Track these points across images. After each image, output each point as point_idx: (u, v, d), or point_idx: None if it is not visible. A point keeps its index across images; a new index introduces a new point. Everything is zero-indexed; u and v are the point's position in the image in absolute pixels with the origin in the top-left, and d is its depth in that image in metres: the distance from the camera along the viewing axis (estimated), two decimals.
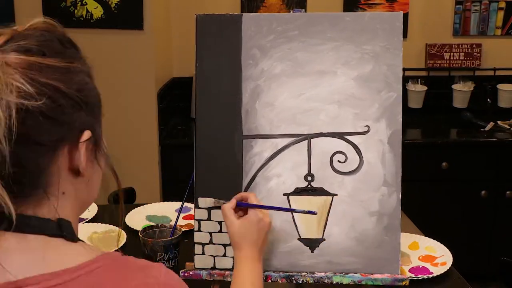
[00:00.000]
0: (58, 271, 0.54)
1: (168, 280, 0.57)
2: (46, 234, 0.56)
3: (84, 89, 0.58)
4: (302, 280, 0.99)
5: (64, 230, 0.57)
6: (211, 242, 1.01)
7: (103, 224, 1.30)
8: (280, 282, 0.99)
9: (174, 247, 1.07)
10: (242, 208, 0.92)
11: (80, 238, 0.60)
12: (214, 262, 1.01)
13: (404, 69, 2.29)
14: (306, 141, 1.01)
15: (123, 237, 1.21)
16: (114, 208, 1.47)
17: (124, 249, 1.18)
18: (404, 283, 0.97)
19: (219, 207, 0.99)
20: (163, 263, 1.05)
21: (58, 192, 0.57)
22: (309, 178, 1.00)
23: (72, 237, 0.57)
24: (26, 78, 0.53)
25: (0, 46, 0.55)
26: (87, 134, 0.58)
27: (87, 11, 2.12)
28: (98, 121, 0.62)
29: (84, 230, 1.25)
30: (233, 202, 0.93)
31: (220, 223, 1.01)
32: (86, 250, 0.58)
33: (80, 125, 0.58)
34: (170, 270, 0.60)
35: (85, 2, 2.12)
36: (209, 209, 1.01)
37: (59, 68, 0.56)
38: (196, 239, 1.02)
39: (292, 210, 0.98)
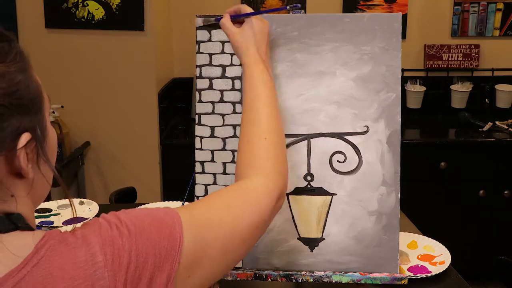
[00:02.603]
0: (4, 275, 0.52)
1: (109, 235, 0.55)
2: (0, 231, 0.54)
3: (16, 90, 0.54)
4: (302, 279, 0.99)
5: (17, 223, 0.55)
6: None
7: None
8: (279, 281, 1.00)
9: None
10: (240, 21, 0.92)
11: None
12: None
13: (403, 70, 2.30)
14: (306, 141, 1.01)
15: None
16: (115, 208, 1.48)
17: None
18: (402, 282, 0.98)
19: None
20: None
21: (5, 196, 0.55)
22: (309, 178, 1.01)
23: (27, 226, 0.55)
24: None
25: None
26: (24, 138, 0.55)
27: (89, 12, 2.13)
28: (40, 114, 0.58)
29: None
30: (227, 15, 0.92)
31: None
32: (24, 238, 0.55)
33: (14, 130, 0.54)
34: (110, 218, 0.57)
35: (87, 3, 2.13)
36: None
37: None
38: None
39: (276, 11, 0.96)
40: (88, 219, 1.32)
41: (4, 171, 0.55)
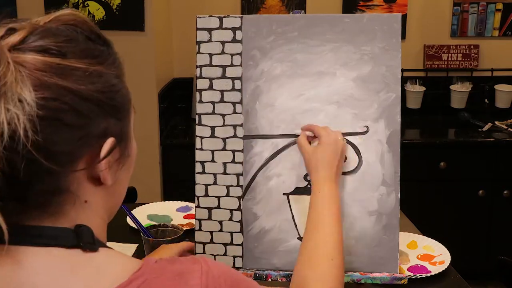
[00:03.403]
0: None
1: (210, 281, 0.52)
2: (63, 245, 0.51)
3: (109, 91, 0.53)
4: None
5: (81, 239, 0.52)
6: (211, 241, 1.02)
7: None
8: (280, 280, 1.00)
9: None
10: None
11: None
12: None
13: (402, 70, 2.30)
14: None
15: None
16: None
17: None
18: (402, 281, 0.98)
19: (219, 207, 1.01)
20: None
21: (79, 201, 0.53)
22: (309, 178, 1.02)
23: (91, 245, 0.52)
24: (40, 81, 0.48)
25: (16, 44, 0.50)
26: (110, 142, 0.53)
27: (89, 12, 2.14)
28: (126, 122, 0.58)
29: None
30: (304, 133, 0.96)
31: (220, 222, 1.02)
32: (118, 262, 0.52)
33: (102, 132, 0.53)
34: (212, 264, 0.54)
35: (87, 3, 2.13)
36: (209, 209, 1.03)
37: (80, 69, 0.51)
38: (197, 238, 1.03)
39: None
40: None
41: (83, 174, 0.52)
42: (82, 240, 0.52)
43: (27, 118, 0.47)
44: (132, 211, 1.36)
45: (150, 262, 0.53)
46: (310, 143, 0.96)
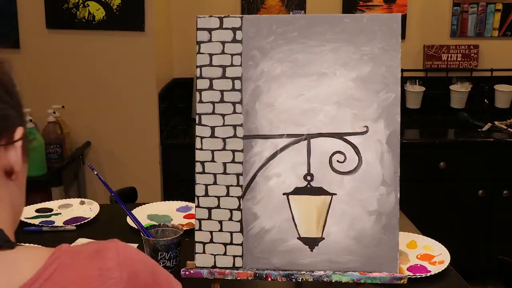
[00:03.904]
0: None
1: (127, 257, 0.54)
2: None
3: (14, 86, 0.57)
4: (302, 279, 1.00)
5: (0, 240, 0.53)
6: (211, 241, 1.03)
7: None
8: (279, 280, 1.01)
9: (176, 246, 1.08)
10: None
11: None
12: (215, 261, 1.02)
13: (402, 70, 2.30)
14: (306, 141, 1.02)
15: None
16: (116, 208, 1.48)
17: None
18: (402, 281, 0.98)
19: (219, 207, 1.01)
20: (165, 262, 1.07)
21: None
22: (309, 178, 1.02)
23: (8, 244, 0.53)
24: None
25: None
26: (20, 131, 0.56)
27: (89, 12, 2.14)
28: (25, 124, 0.60)
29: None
30: None
31: (220, 222, 1.03)
32: (33, 254, 0.54)
33: (14, 122, 0.56)
34: (126, 244, 0.56)
35: (87, 4, 2.14)
36: (209, 209, 1.03)
37: None
38: (197, 238, 1.03)
39: None
40: (90, 218, 1.32)
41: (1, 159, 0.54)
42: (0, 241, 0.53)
43: None
44: (132, 211, 1.37)
45: (64, 246, 0.55)
46: None
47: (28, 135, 0.60)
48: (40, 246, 0.57)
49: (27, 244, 0.56)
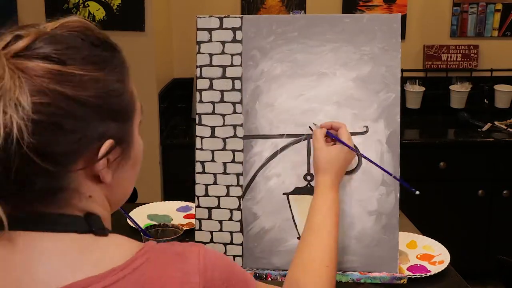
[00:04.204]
0: (105, 272, 0.53)
1: (208, 263, 0.57)
2: (76, 231, 0.55)
3: (108, 96, 0.56)
4: None
5: (93, 225, 0.56)
6: (211, 241, 1.03)
7: None
8: (280, 280, 1.01)
9: None
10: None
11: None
12: None
13: (402, 70, 2.30)
14: (306, 141, 1.02)
15: None
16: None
17: None
18: (402, 281, 0.99)
19: (219, 207, 1.01)
20: None
21: (84, 196, 0.56)
22: (309, 178, 1.02)
23: (102, 231, 0.57)
24: (38, 87, 0.51)
25: (20, 51, 0.53)
26: (108, 143, 0.56)
27: (89, 13, 2.14)
28: (128, 125, 0.60)
29: None
30: (323, 129, 0.95)
31: (220, 222, 1.03)
32: (123, 244, 0.57)
33: (100, 134, 0.55)
34: (209, 249, 0.59)
35: (87, 4, 2.14)
36: (209, 209, 1.03)
37: (78, 75, 0.53)
38: (197, 238, 1.03)
39: (395, 178, 0.96)
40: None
41: (82, 173, 0.56)
42: (93, 226, 0.56)
43: (23, 121, 0.50)
44: (132, 211, 1.37)
45: (151, 243, 0.58)
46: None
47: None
48: (130, 238, 0.60)
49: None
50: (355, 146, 0.96)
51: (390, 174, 0.97)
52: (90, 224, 0.56)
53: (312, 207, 0.88)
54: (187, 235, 1.16)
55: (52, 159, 0.52)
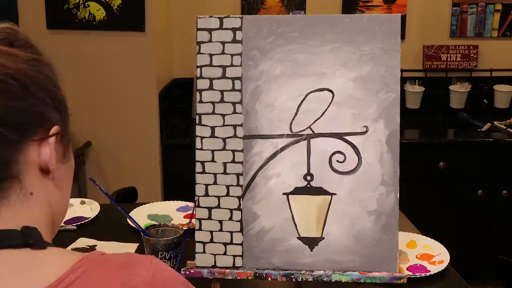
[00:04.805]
0: None
1: (157, 277, 0.51)
2: (11, 246, 0.51)
3: (53, 85, 0.57)
4: (302, 278, 1.00)
5: (29, 238, 0.52)
6: (212, 241, 1.03)
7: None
8: (279, 280, 1.01)
9: (176, 246, 1.09)
10: None
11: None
12: (215, 261, 1.02)
13: (402, 70, 2.31)
14: (306, 141, 1.02)
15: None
16: (116, 208, 1.49)
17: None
18: (402, 281, 0.99)
19: (219, 207, 1.01)
20: (165, 261, 1.07)
21: (24, 192, 0.53)
22: (309, 178, 1.02)
23: (41, 243, 0.52)
24: None
25: None
26: (56, 127, 0.56)
27: (90, 13, 2.14)
28: (67, 125, 0.59)
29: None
30: None
31: (220, 222, 1.03)
32: (60, 257, 0.53)
33: (49, 118, 0.56)
34: (161, 263, 0.53)
35: (88, 4, 2.14)
36: (209, 209, 1.03)
37: (26, 58, 0.55)
38: (197, 238, 1.03)
39: None
40: (90, 218, 1.32)
41: (32, 157, 0.54)
42: (30, 238, 0.52)
43: None
44: (132, 211, 1.37)
45: (94, 254, 0.54)
46: None
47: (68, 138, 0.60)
48: (72, 250, 0.56)
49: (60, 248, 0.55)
50: None
51: None
52: (26, 237, 0.52)
53: None
54: (187, 235, 1.16)
55: (11, 126, 0.52)
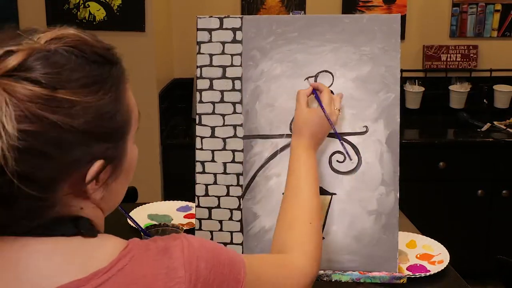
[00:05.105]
0: (89, 275, 0.53)
1: (192, 255, 0.57)
2: (64, 234, 0.55)
3: (99, 119, 0.54)
4: None
5: (81, 227, 0.56)
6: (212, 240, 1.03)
7: None
8: None
9: None
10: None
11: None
12: None
13: (401, 70, 2.31)
14: None
15: None
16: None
17: None
18: (402, 281, 0.99)
19: (219, 207, 1.01)
20: None
21: (74, 209, 0.56)
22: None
23: (91, 232, 0.57)
24: (25, 113, 0.49)
25: (11, 70, 0.50)
26: (97, 165, 0.55)
27: (90, 13, 2.14)
28: (122, 142, 0.58)
29: None
30: (310, 89, 0.96)
31: (220, 221, 1.03)
32: (109, 243, 0.57)
33: (89, 157, 0.54)
34: (191, 239, 0.59)
35: (88, 4, 2.14)
36: (209, 208, 1.03)
37: (68, 102, 0.51)
38: None
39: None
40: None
41: (73, 191, 0.55)
42: (81, 227, 0.56)
43: (7, 149, 0.49)
44: (132, 211, 1.37)
45: (135, 240, 0.58)
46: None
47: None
48: (116, 237, 0.60)
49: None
50: (338, 110, 0.95)
51: (339, 139, 0.98)
52: (77, 226, 0.56)
53: (290, 169, 0.88)
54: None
55: (37, 184, 0.51)
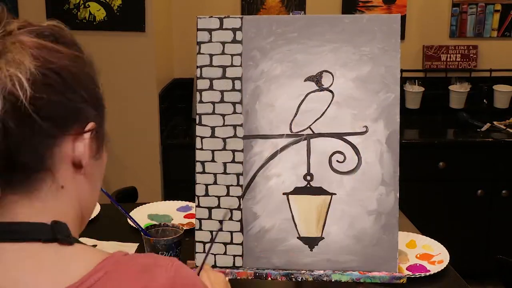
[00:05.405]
0: None
1: (177, 282, 0.52)
2: (40, 240, 0.52)
3: (92, 81, 0.58)
4: (302, 278, 1.00)
5: (58, 233, 0.53)
6: (211, 241, 1.03)
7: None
8: (279, 280, 1.01)
9: (176, 246, 1.09)
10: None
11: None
12: (215, 260, 1.03)
13: (401, 70, 2.31)
14: (306, 141, 1.02)
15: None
16: (116, 208, 1.49)
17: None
18: (401, 281, 0.99)
19: (219, 207, 1.01)
20: None
21: (56, 185, 0.54)
22: (308, 178, 1.02)
23: (68, 239, 0.53)
24: (36, 55, 0.53)
25: (13, 31, 0.55)
26: (91, 125, 0.57)
27: (90, 13, 2.14)
28: (102, 122, 0.61)
29: None
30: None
31: (221, 222, 1.03)
32: (85, 255, 0.53)
33: (86, 115, 0.57)
34: (182, 266, 0.54)
35: (88, 4, 2.14)
36: (210, 208, 1.03)
37: (69, 55, 0.56)
38: (197, 238, 1.03)
39: None
40: (90, 218, 1.33)
41: (67, 151, 0.55)
42: (59, 233, 0.53)
43: (26, 80, 0.51)
44: (132, 211, 1.37)
45: (116, 254, 0.54)
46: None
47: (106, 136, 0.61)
48: (97, 249, 0.57)
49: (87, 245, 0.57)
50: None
51: None
52: (55, 231, 0.53)
53: None
54: (187, 235, 1.16)
55: (51, 119, 0.53)
